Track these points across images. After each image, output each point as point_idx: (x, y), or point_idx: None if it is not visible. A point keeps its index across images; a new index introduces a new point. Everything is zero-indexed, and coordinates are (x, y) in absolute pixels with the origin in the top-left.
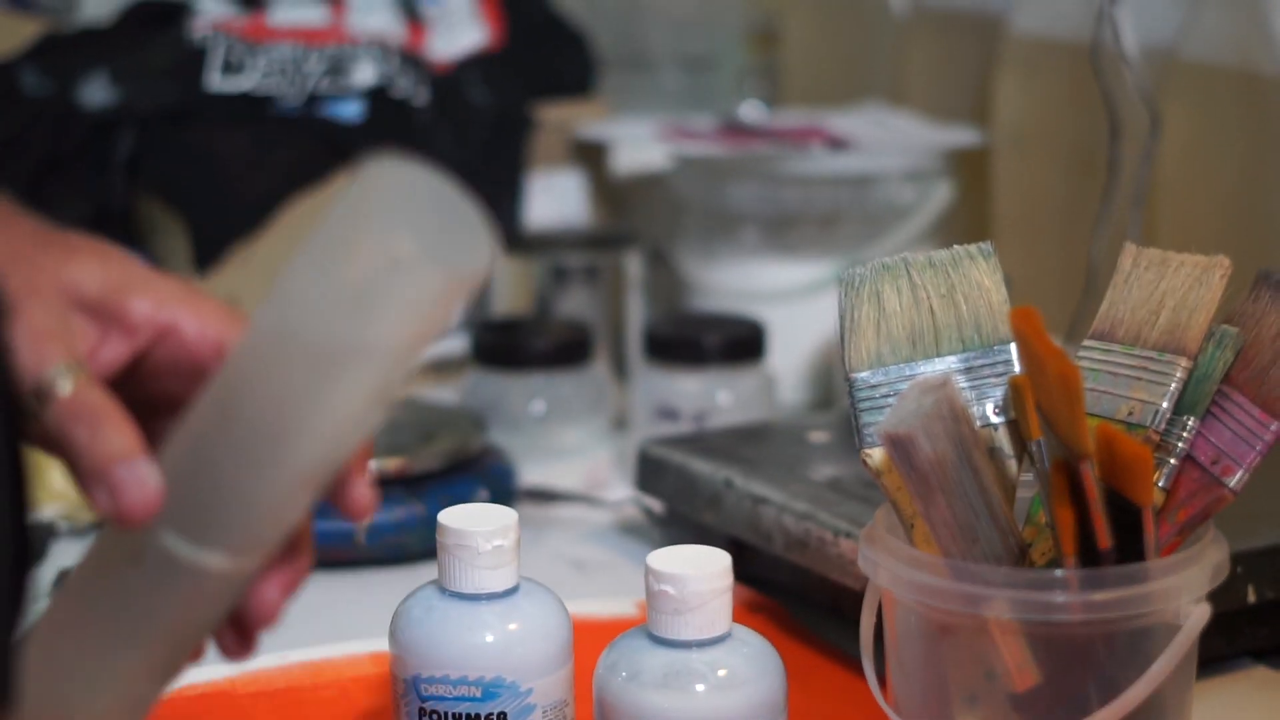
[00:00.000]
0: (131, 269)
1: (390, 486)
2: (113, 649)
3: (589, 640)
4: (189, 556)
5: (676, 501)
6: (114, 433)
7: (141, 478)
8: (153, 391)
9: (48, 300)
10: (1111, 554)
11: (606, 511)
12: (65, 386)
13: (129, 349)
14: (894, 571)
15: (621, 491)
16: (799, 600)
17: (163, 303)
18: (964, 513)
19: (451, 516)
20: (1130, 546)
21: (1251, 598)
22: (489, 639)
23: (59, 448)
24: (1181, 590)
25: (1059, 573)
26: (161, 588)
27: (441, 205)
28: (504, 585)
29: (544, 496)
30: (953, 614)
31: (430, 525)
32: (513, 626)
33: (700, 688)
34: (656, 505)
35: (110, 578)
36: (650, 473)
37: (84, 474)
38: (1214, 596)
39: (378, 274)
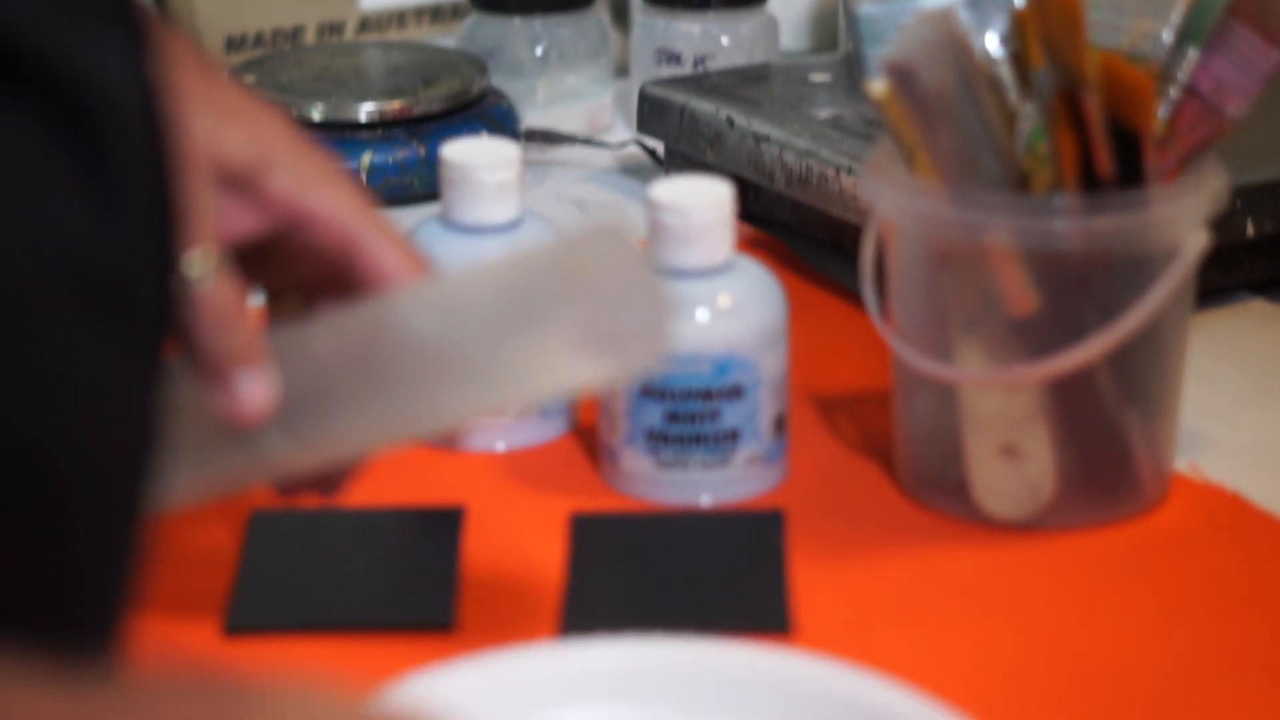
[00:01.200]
0: (280, 140)
1: (391, 129)
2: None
3: None
4: (264, 438)
5: (678, 141)
6: (241, 334)
7: (259, 387)
8: (268, 260)
9: (197, 175)
10: (1112, 182)
11: (608, 154)
12: (201, 276)
13: (260, 226)
14: (896, 200)
15: (623, 134)
16: (801, 237)
17: (302, 184)
18: (965, 142)
19: (455, 150)
20: (1131, 175)
21: (1251, 231)
22: None
23: (181, 332)
24: (1180, 217)
25: (1059, 199)
26: (226, 443)
27: (638, 293)
28: (506, 218)
29: (546, 138)
30: (953, 242)
31: (432, 166)
32: None
33: (702, 315)
34: (658, 146)
35: (181, 402)
36: (652, 113)
37: (202, 367)
38: (1213, 229)
39: (556, 357)
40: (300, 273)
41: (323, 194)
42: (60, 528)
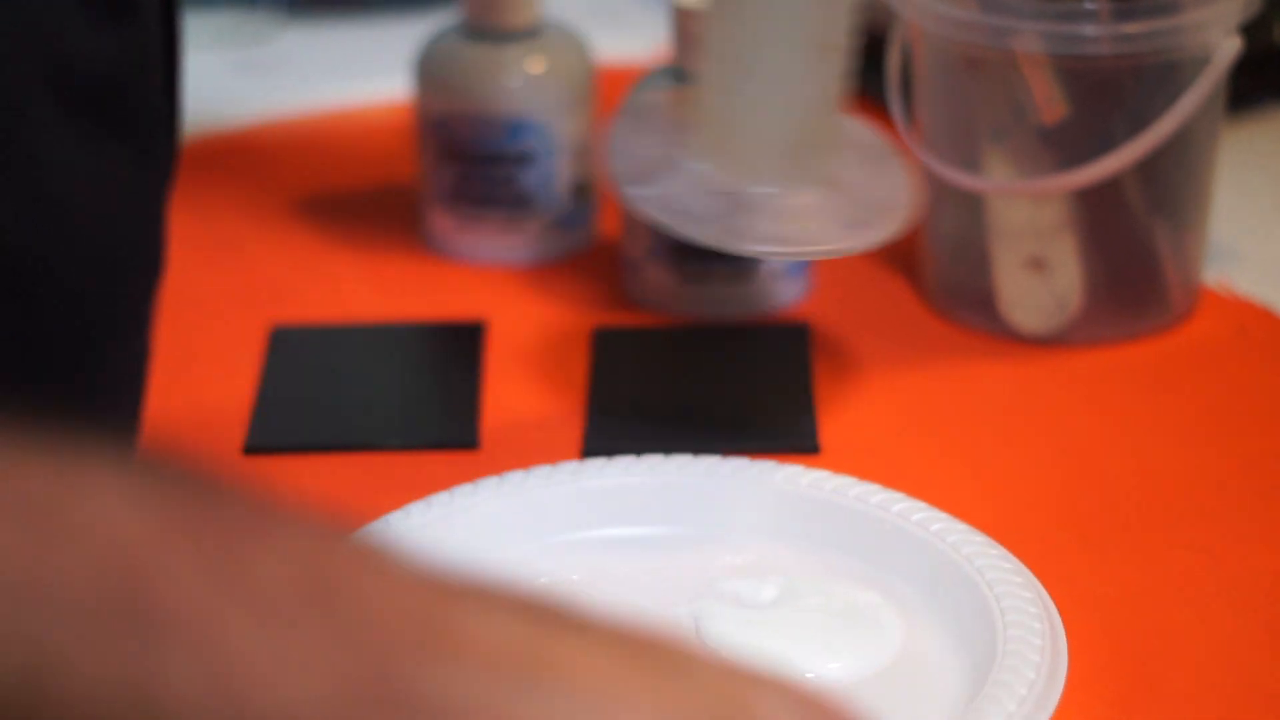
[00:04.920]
0: None
1: None
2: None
3: (611, 83)
4: None
5: None
6: None
7: None
8: None
9: None
10: None
11: None
12: None
13: None
14: (922, 4)
15: None
16: None
17: None
18: None
19: None
20: None
21: None
22: (514, 80)
23: None
24: (1213, 22)
25: (1089, 4)
26: None
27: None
28: (526, 23)
29: None
30: (981, 48)
31: None
32: (537, 69)
33: None
34: None
35: None
36: None
37: None
38: (1245, 34)
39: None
40: None
41: None
42: (42, 327)
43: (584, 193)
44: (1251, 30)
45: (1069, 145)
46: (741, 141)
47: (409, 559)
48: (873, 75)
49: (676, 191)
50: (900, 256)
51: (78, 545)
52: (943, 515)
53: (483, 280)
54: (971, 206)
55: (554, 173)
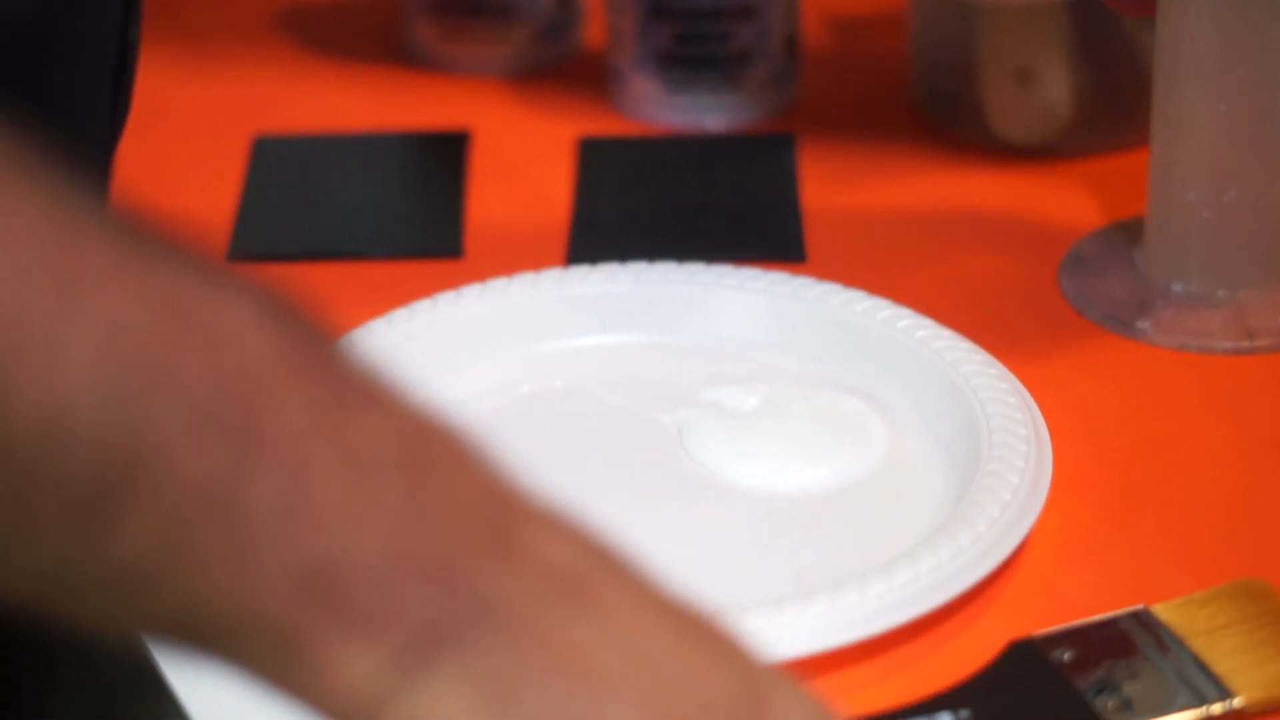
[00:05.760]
0: None
1: None
2: None
3: None
4: None
5: None
6: None
7: None
8: None
9: None
10: None
11: None
12: None
13: None
14: None
15: None
16: None
17: None
18: None
19: None
20: None
21: None
22: None
23: None
24: None
25: None
26: None
27: None
28: None
29: None
30: None
31: None
32: None
33: None
34: None
35: None
36: None
37: None
38: None
39: None
40: None
41: None
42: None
43: (569, 1)
44: None
45: None
46: (1224, 248)
47: (496, 465)
48: None
49: (1171, 314)
50: (888, 67)
51: (206, 352)
52: (928, 322)
53: (467, 90)
54: (960, 16)
55: None
